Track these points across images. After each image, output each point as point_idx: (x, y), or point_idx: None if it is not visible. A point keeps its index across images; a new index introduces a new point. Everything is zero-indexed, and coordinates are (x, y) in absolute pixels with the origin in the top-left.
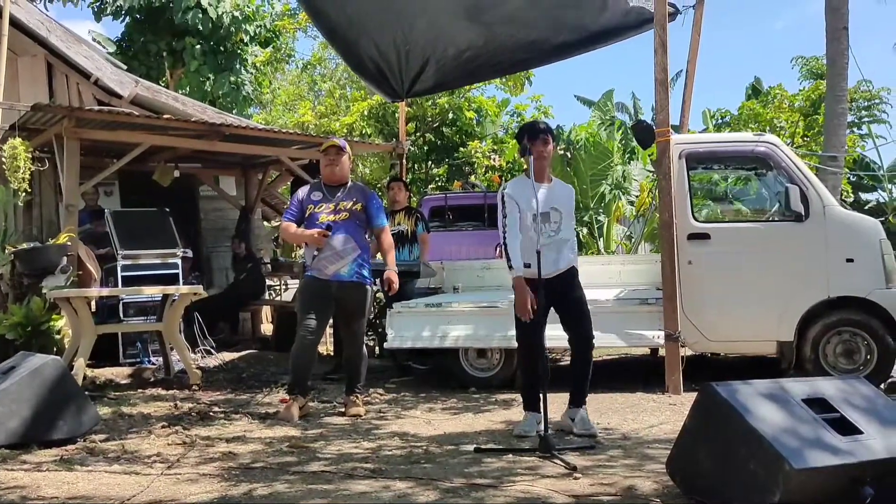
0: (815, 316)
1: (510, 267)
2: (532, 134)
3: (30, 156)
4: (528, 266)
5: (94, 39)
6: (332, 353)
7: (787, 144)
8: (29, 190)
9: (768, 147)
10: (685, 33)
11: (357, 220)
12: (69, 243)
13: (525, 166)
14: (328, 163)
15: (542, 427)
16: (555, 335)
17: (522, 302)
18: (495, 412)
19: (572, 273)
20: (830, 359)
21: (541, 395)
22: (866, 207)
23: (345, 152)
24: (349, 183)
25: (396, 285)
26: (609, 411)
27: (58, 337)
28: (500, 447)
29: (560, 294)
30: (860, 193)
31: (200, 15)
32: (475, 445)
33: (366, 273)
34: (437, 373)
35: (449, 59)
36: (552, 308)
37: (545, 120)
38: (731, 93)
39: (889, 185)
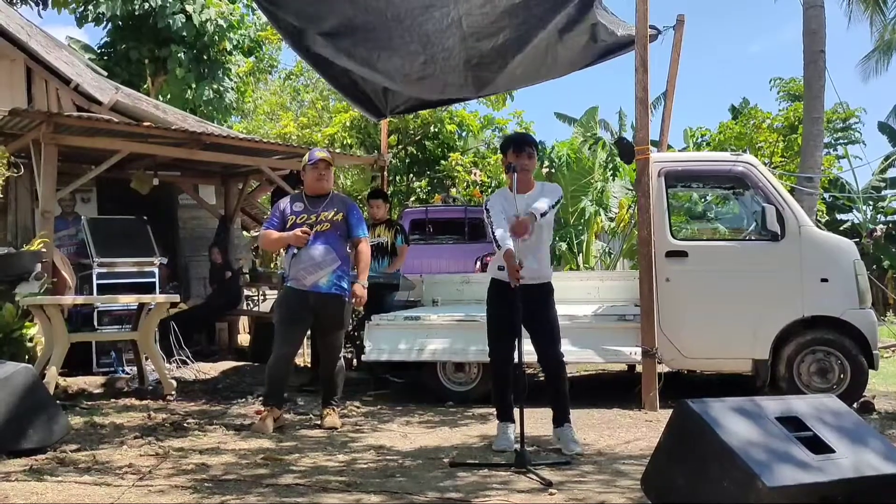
0: (790, 335)
1: (498, 247)
2: (518, 147)
3: (4, 161)
4: (501, 269)
5: (69, 45)
6: (308, 365)
7: (766, 164)
8: (1, 195)
9: (746, 167)
10: (665, 55)
11: (338, 231)
12: (44, 249)
13: (508, 182)
14: (318, 176)
15: (517, 440)
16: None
17: (512, 268)
18: (472, 426)
19: (548, 289)
20: (804, 377)
21: (515, 408)
22: (841, 228)
23: (333, 166)
24: (331, 194)
25: (364, 300)
26: (585, 427)
27: (30, 345)
28: (476, 462)
29: (535, 310)
30: (835, 214)
31: (184, 20)
32: (450, 460)
33: (345, 285)
34: (415, 386)
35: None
36: (523, 324)
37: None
38: (709, 112)
39: (863, 207)
